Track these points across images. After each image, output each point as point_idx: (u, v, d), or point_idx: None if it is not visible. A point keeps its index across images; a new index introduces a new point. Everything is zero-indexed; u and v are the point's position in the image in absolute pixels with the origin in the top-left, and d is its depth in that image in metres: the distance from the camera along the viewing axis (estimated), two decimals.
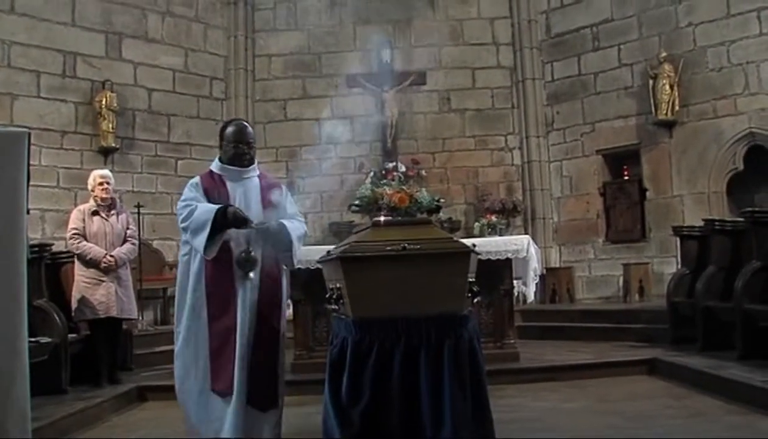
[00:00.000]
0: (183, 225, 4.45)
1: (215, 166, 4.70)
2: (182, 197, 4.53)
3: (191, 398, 4.58)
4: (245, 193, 4.63)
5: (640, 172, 12.15)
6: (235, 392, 4.32)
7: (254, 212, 4.51)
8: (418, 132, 13.33)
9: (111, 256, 7.44)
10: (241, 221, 4.32)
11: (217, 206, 4.35)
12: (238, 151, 4.63)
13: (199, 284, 4.51)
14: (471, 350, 3.55)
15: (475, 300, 3.73)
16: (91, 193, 7.71)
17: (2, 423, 3.88)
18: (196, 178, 4.64)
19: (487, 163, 13.35)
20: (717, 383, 6.34)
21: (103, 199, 7.62)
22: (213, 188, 4.58)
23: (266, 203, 4.63)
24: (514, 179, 13.30)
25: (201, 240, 4.30)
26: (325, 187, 12.31)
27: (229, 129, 4.69)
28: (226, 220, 4.31)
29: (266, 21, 13.35)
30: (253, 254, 4.43)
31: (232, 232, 4.41)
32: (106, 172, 7.93)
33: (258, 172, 4.80)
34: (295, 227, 4.58)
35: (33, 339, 5.70)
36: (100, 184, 7.63)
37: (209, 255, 4.37)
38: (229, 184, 4.62)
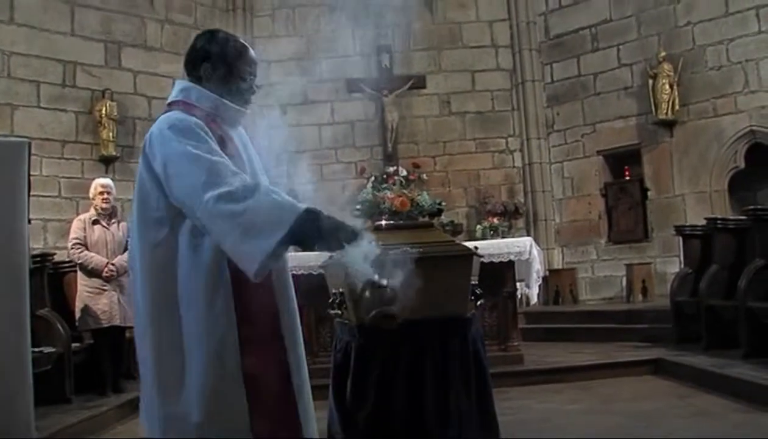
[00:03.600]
0: (227, 206, 2.44)
1: (206, 98, 2.85)
2: (190, 141, 2.61)
3: None
4: (245, 148, 3.00)
5: (641, 172, 12.14)
6: None
7: (261, 180, 2.89)
8: (418, 136, 13.33)
9: (112, 264, 7.44)
10: (349, 236, 2.45)
11: (291, 200, 2.51)
12: (253, 86, 2.96)
13: (223, 317, 2.63)
14: (475, 353, 3.55)
15: (479, 303, 3.73)
16: (92, 202, 7.72)
17: (7, 433, 3.88)
18: (190, 118, 2.72)
19: (488, 165, 13.34)
20: (722, 382, 6.33)
21: (103, 209, 7.61)
22: (220, 140, 2.76)
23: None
24: (516, 181, 13.29)
25: (261, 248, 2.40)
26: (326, 192, 12.31)
27: (244, 50, 2.95)
28: (309, 227, 2.43)
29: (265, 27, 13.36)
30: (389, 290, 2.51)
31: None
32: (107, 181, 7.93)
33: None
34: None
35: (36, 349, 5.71)
36: (101, 193, 7.63)
37: (260, 276, 2.47)
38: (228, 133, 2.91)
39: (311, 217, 2.42)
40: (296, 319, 2.81)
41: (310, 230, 2.41)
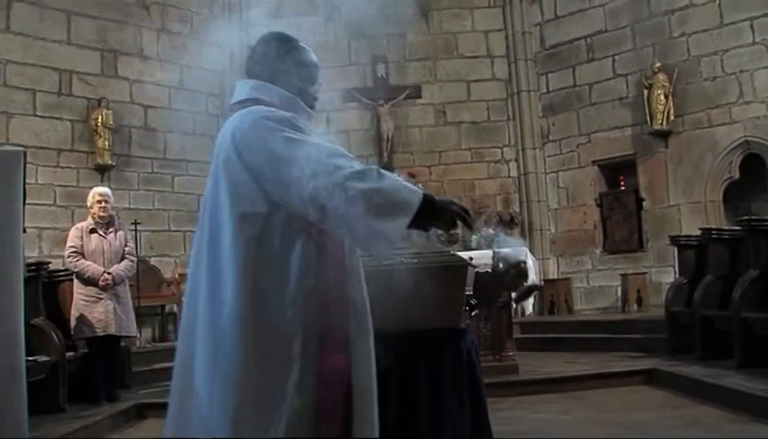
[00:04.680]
0: (360, 185, 2.36)
1: (285, 98, 2.81)
2: (296, 131, 2.55)
3: None
4: None
5: (636, 183, 12.17)
6: None
7: None
8: (414, 145, 13.35)
9: (109, 273, 7.43)
10: (460, 214, 2.53)
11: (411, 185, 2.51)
12: (316, 96, 3.03)
13: (311, 314, 2.50)
14: (469, 364, 3.55)
15: (473, 313, 3.73)
16: (89, 210, 7.72)
17: None
18: (281, 111, 2.64)
19: (483, 175, 13.36)
20: (716, 392, 6.33)
21: (101, 217, 7.62)
22: None
23: None
24: (511, 191, 13.31)
25: (395, 228, 2.38)
26: None
27: (313, 56, 3.03)
28: (428, 208, 2.44)
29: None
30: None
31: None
32: (105, 190, 7.93)
33: None
34: None
35: (30, 358, 5.70)
36: (99, 201, 7.64)
37: (389, 255, 2.76)
38: None
39: (428, 198, 2.45)
40: (367, 314, 2.65)
41: (429, 210, 2.43)
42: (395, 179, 2.45)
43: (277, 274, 2.47)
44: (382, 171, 2.46)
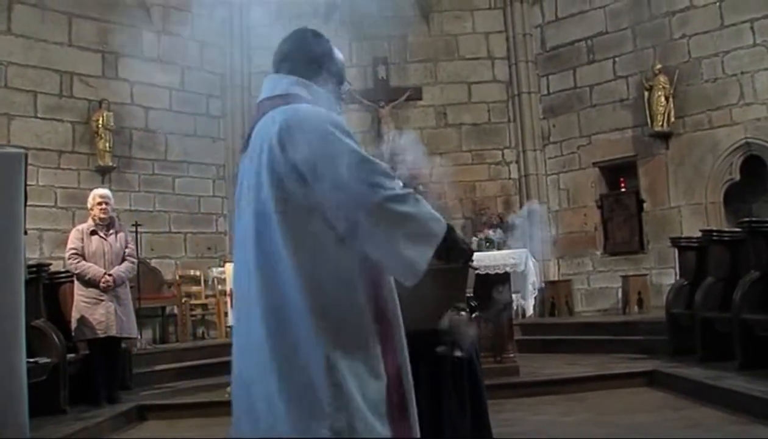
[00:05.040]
0: (397, 208, 2.37)
1: (324, 98, 2.72)
2: (351, 140, 2.48)
3: None
4: None
5: (637, 184, 12.17)
6: None
7: None
8: None
9: (109, 275, 7.44)
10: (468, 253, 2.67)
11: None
12: (344, 95, 2.96)
13: (369, 313, 2.46)
14: (470, 366, 3.55)
15: (474, 315, 3.73)
16: (90, 212, 7.72)
17: None
18: (334, 115, 2.56)
19: (484, 177, 13.36)
20: (717, 394, 6.33)
21: (101, 219, 7.63)
22: None
23: None
24: (512, 193, 13.31)
25: (423, 255, 2.40)
26: None
27: (341, 56, 2.94)
28: (449, 239, 2.49)
29: (262, 39, 13.36)
30: None
31: None
32: (105, 191, 7.94)
33: None
34: None
35: (31, 360, 5.71)
36: (99, 203, 7.64)
37: (414, 282, 2.45)
38: None
39: (450, 229, 2.48)
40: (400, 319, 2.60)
41: (450, 241, 2.46)
42: (428, 208, 2.46)
43: (335, 270, 2.39)
44: (418, 196, 2.46)
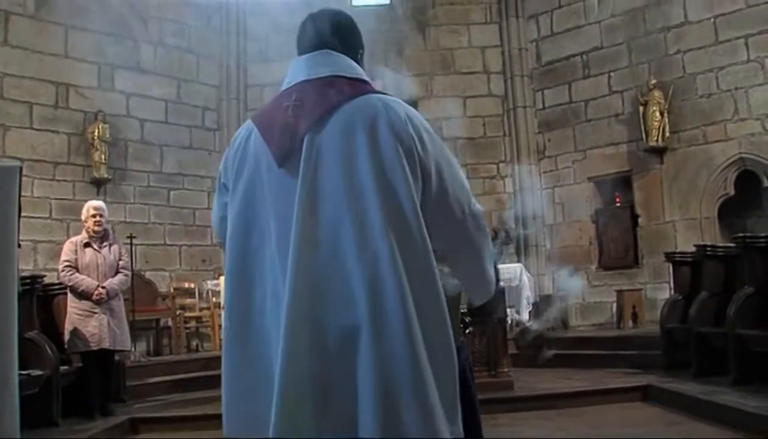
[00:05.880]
0: (484, 223, 2.42)
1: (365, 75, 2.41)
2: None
3: None
4: None
5: (631, 199, 12.19)
6: None
7: None
8: None
9: (103, 287, 7.41)
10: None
11: None
12: None
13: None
14: (463, 382, 3.53)
15: (468, 331, 3.73)
16: (84, 224, 7.71)
17: None
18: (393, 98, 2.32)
19: (479, 191, 13.35)
20: (711, 409, 6.33)
21: (95, 231, 7.60)
22: None
23: None
24: (507, 207, 13.31)
25: (494, 278, 2.49)
26: None
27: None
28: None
29: (258, 51, 13.39)
30: None
31: None
32: (99, 204, 7.91)
33: None
34: None
35: (24, 372, 5.68)
36: (93, 216, 7.62)
37: (486, 298, 2.56)
38: None
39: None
40: None
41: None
42: None
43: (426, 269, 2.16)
44: None
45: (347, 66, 2.34)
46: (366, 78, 2.35)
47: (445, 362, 2.08)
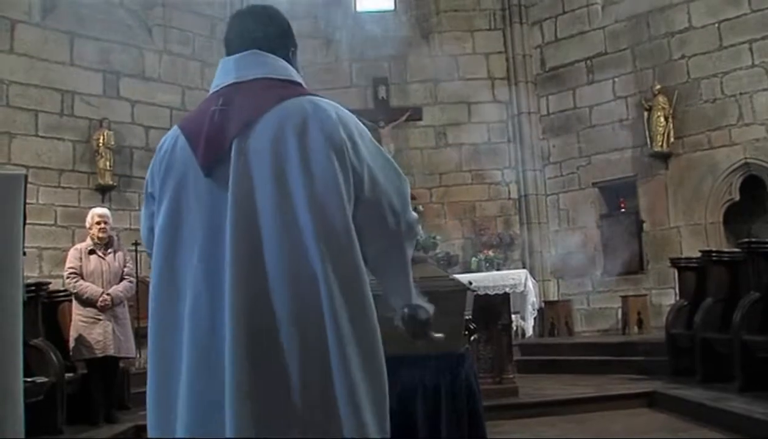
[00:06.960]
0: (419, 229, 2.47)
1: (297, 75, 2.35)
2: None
3: None
4: None
5: (636, 205, 12.18)
6: None
7: None
8: (414, 167, 13.34)
9: (107, 294, 7.42)
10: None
11: None
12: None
13: None
14: (468, 389, 3.54)
15: (472, 338, 3.73)
16: (89, 231, 7.72)
17: None
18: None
19: (484, 197, 13.37)
20: (717, 415, 6.32)
21: (100, 238, 7.61)
22: None
23: None
24: (511, 213, 13.31)
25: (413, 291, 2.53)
26: None
27: None
28: None
29: None
30: None
31: None
32: (104, 211, 7.93)
33: None
34: None
35: (29, 379, 5.68)
36: (98, 223, 7.63)
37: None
38: None
39: None
40: None
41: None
42: None
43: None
44: None
45: (278, 67, 2.27)
46: (299, 79, 2.29)
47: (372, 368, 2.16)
